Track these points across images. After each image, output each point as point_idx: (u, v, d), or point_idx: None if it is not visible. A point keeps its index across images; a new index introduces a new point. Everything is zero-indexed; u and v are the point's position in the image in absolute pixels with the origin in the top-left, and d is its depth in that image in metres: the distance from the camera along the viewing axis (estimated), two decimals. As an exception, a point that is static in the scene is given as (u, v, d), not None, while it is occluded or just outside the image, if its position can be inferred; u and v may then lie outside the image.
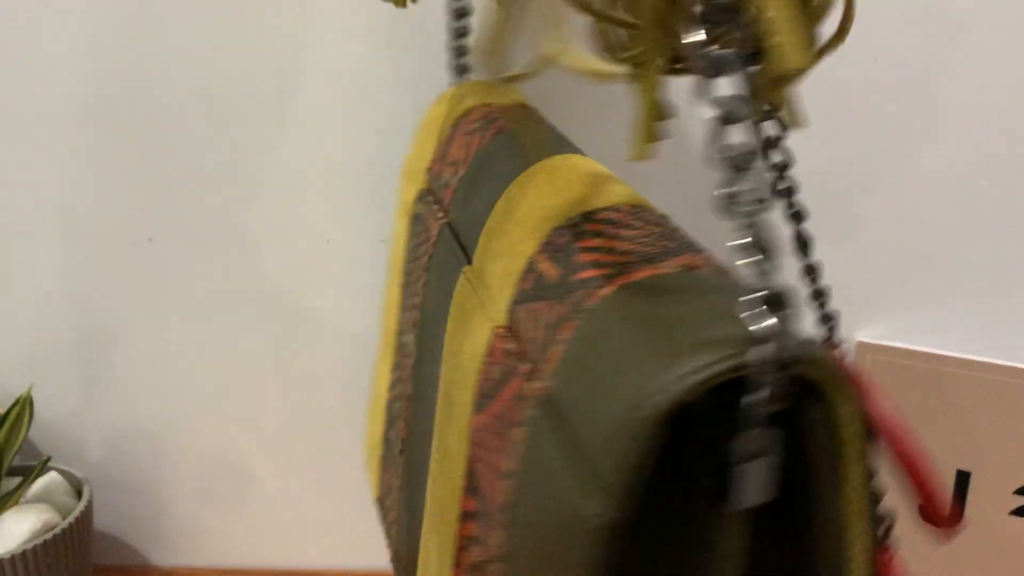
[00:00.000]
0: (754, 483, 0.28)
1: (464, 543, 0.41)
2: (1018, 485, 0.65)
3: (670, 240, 0.38)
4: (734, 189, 0.28)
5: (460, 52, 0.59)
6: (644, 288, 0.36)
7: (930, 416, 0.66)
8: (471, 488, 0.40)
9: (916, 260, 0.69)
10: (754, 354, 0.26)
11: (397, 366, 0.52)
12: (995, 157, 0.67)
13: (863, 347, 0.66)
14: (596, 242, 0.40)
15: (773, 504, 0.29)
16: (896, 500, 0.65)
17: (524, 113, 0.52)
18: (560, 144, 0.47)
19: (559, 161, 0.44)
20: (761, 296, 0.27)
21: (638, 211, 0.40)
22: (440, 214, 0.51)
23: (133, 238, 0.70)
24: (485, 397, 0.40)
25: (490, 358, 0.40)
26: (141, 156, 0.68)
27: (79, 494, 0.69)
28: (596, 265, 0.39)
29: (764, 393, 0.27)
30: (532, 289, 0.39)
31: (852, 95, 0.66)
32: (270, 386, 0.73)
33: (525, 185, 0.44)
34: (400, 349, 0.52)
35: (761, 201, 0.28)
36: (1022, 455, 0.64)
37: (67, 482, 0.70)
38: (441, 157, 0.52)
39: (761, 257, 0.28)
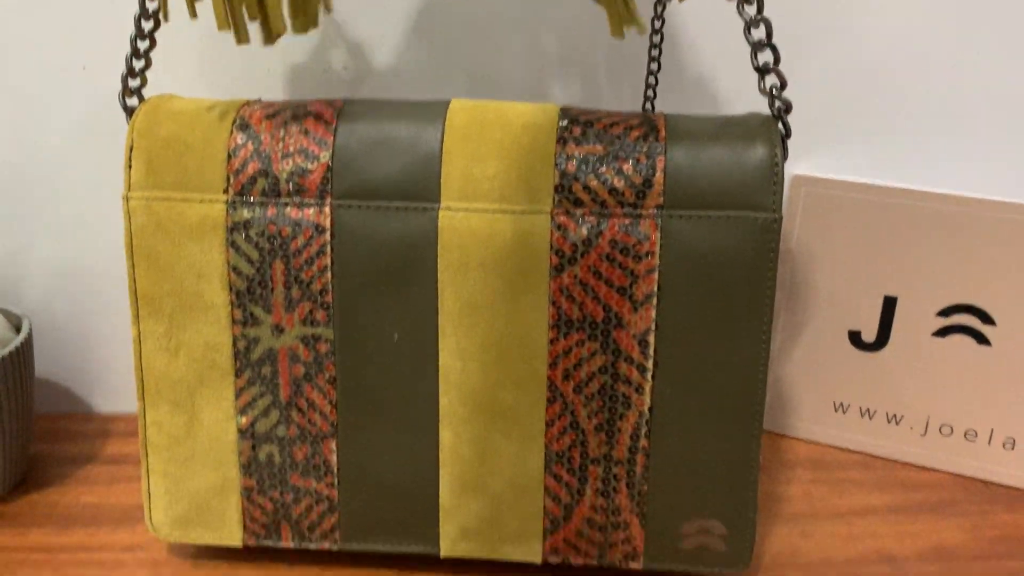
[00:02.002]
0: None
1: (564, 374, 0.55)
2: (940, 307, 0.70)
3: (623, 112, 0.55)
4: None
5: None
6: (678, 127, 0.54)
7: (860, 244, 0.70)
8: (560, 334, 0.54)
9: (845, 97, 0.73)
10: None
11: (263, 380, 0.56)
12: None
13: (798, 180, 0.71)
14: (603, 122, 0.54)
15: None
16: (826, 323, 0.71)
17: (300, 100, 0.57)
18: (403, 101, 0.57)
19: (464, 101, 0.56)
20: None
21: (576, 107, 0.56)
22: (313, 200, 0.54)
23: (66, 65, 0.71)
24: (568, 261, 0.53)
25: (559, 233, 0.53)
26: None
27: (18, 332, 0.69)
28: (629, 128, 0.53)
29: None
30: (578, 170, 0.53)
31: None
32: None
33: (472, 121, 0.54)
34: (260, 363, 0.56)
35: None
36: (944, 279, 0.69)
37: (5, 319, 0.69)
38: (251, 157, 0.54)
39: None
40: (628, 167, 0.52)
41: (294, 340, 0.55)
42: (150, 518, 0.59)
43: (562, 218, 0.53)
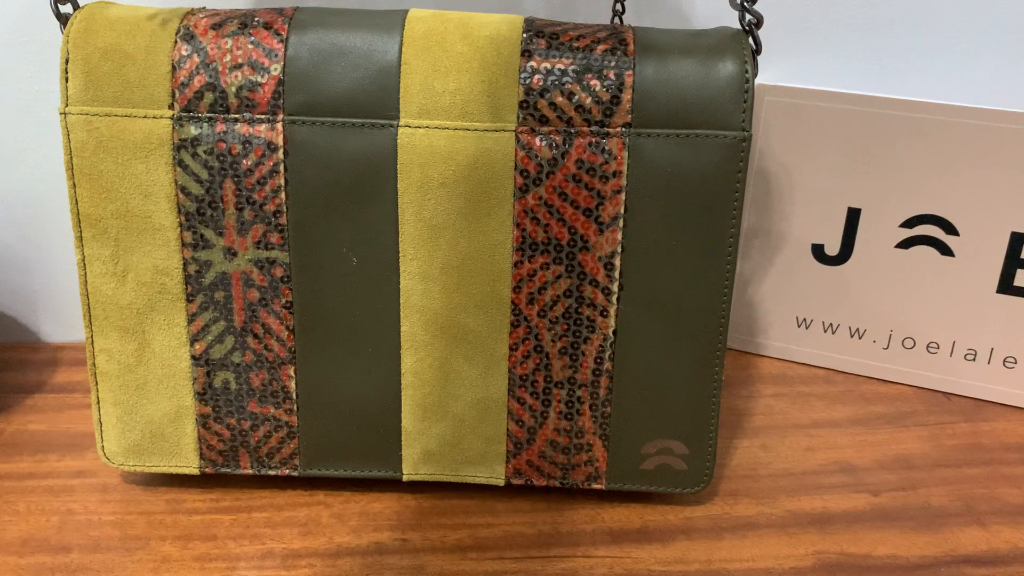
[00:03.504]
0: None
1: (529, 298, 0.53)
2: (903, 218, 0.69)
3: (592, 25, 0.53)
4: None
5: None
6: (647, 41, 0.52)
7: (823, 154, 0.69)
8: (524, 257, 0.53)
9: (807, 2, 0.72)
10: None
11: (216, 305, 0.54)
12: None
13: (760, 89, 0.69)
14: (570, 35, 0.52)
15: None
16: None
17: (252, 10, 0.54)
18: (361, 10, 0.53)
19: (423, 11, 0.53)
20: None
21: (542, 19, 0.53)
22: (265, 115, 0.51)
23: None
24: (532, 181, 0.51)
25: (524, 152, 0.51)
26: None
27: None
28: (596, 42, 0.51)
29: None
30: (544, 85, 0.50)
31: None
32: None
33: (432, 32, 0.51)
34: (213, 288, 0.54)
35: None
36: (908, 188, 0.68)
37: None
38: (196, 70, 0.51)
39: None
40: (595, 83, 0.51)
41: (248, 264, 0.53)
42: (102, 447, 0.58)
43: (527, 136, 0.51)
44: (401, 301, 0.54)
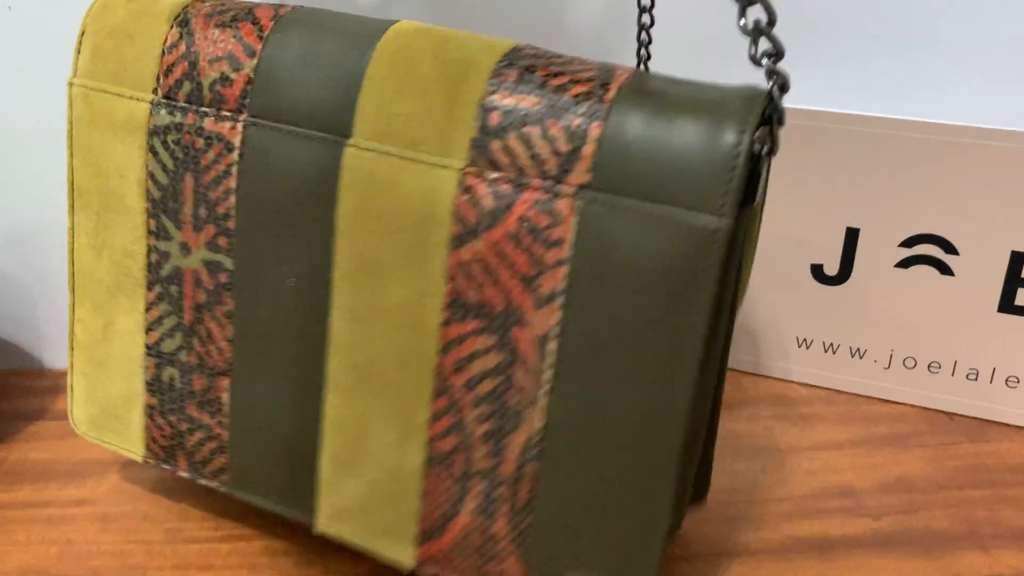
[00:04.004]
0: (762, 184, 0.41)
1: (455, 365, 0.46)
2: (903, 238, 0.68)
3: (588, 62, 0.45)
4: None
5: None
6: (639, 88, 0.43)
7: (821, 174, 0.69)
8: (455, 317, 0.45)
9: (802, 20, 0.72)
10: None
11: (170, 298, 0.52)
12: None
13: None
14: (549, 70, 0.44)
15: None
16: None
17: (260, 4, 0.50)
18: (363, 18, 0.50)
19: (410, 24, 0.47)
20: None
21: (536, 49, 0.46)
22: (230, 113, 0.49)
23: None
24: (470, 233, 0.44)
25: (466, 196, 0.44)
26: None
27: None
28: (575, 82, 0.43)
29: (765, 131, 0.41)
30: (501, 124, 0.43)
31: None
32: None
33: (405, 49, 0.46)
34: (168, 280, 0.52)
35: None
36: (907, 208, 0.67)
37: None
38: (181, 58, 0.49)
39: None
40: (557, 131, 0.42)
41: (199, 263, 0.51)
42: (71, 411, 0.59)
43: (472, 180, 0.44)
44: (330, 337, 0.49)
